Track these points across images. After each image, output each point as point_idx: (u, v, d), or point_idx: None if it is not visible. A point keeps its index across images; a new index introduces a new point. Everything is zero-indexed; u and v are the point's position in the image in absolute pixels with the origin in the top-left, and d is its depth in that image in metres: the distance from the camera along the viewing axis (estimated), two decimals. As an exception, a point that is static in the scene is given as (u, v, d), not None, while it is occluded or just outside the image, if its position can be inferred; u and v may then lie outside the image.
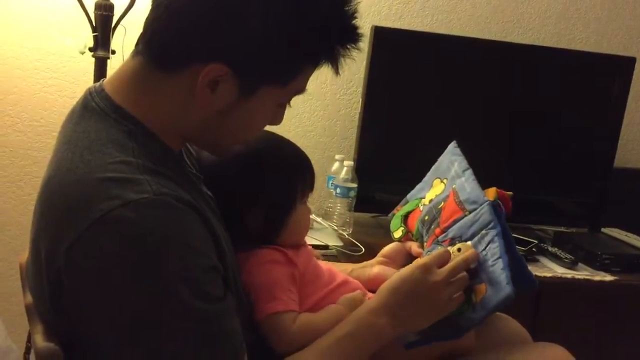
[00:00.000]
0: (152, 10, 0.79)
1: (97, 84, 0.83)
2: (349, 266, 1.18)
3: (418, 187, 1.22)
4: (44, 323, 0.78)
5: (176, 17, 0.76)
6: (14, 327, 1.36)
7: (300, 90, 0.84)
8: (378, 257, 1.16)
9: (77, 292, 0.71)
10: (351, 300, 0.95)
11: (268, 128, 0.90)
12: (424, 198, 1.16)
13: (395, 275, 0.91)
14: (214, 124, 0.80)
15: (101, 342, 0.72)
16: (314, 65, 0.82)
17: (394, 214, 1.23)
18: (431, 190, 1.16)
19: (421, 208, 1.15)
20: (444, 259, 0.91)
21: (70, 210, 0.71)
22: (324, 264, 1.06)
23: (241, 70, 0.76)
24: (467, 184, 1.07)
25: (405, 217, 1.17)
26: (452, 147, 1.16)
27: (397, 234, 1.19)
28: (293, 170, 0.98)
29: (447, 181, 1.14)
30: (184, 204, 0.73)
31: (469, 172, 1.09)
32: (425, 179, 1.20)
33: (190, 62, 0.76)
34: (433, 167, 1.19)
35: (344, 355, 0.87)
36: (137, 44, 0.80)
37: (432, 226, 1.08)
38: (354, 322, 0.88)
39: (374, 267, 1.13)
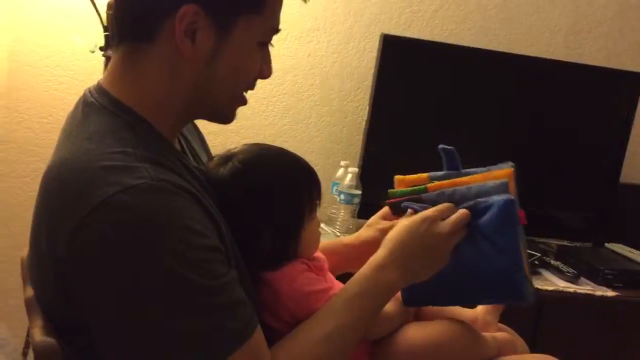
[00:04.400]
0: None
1: (95, 83, 0.86)
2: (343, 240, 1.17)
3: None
4: (44, 315, 0.78)
5: None
6: (15, 322, 1.37)
7: (275, 25, 0.85)
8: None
9: (80, 279, 0.71)
10: None
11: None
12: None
13: (401, 228, 0.91)
14: (205, 80, 0.82)
15: (105, 328, 0.72)
16: None
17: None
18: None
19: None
20: (448, 211, 0.92)
21: (70, 198, 0.72)
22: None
23: (210, 5, 0.77)
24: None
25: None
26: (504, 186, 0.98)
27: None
28: (298, 190, 0.94)
29: None
30: (182, 190, 0.74)
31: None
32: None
33: (161, 18, 0.78)
34: (472, 188, 1.00)
35: (356, 316, 0.86)
36: (114, 38, 0.83)
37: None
38: (362, 281, 0.88)
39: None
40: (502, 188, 0.97)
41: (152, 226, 0.69)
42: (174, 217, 0.71)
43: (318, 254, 1.01)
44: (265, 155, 0.95)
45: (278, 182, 0.92)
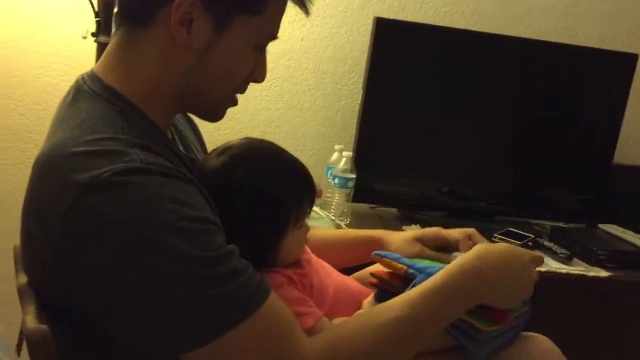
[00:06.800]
0: None
1: (89, 70, 0.86)
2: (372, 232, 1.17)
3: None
4: (38, 301, 0.79)
5: None
6: (9, 307, 1.38)
7: (274, 32, 0.86)
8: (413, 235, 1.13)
9: (77, 258, 0.71)
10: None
11: (253, 85, 0.90)
12: None
13: (500, 244, 0.94)
14: (197, 72, 0.82)
15: (106, 307, 0.72)
16: None
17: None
18: None
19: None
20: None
21: (60, 182, 0.72)
22: (324, 265, 1.01)
23: None
24: None
25: None
26: None
27: None
28: (285, 196, 0.88)
29: None
30: (173, 171, 0.75)
31: None
32: None
33: (159, 4, 0.79)
34: None
35: (432, 310, 0.83)
36: (115, 21, 0.84)
37: None
38: (445, 278, 0.85)
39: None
40: None
41: (142, 202, 0.70)
42: (164, 192, 0.72)
43: (311, 255, 0.98)
44: (257, 154, 0.91)
45: (263, 184, 0.87)
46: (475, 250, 0.89)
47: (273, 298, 0.76)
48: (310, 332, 0.84)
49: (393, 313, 0.81)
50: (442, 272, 0.86)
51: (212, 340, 0.70)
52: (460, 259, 0.89)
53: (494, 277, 0.87)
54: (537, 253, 0.95)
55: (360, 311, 0.86)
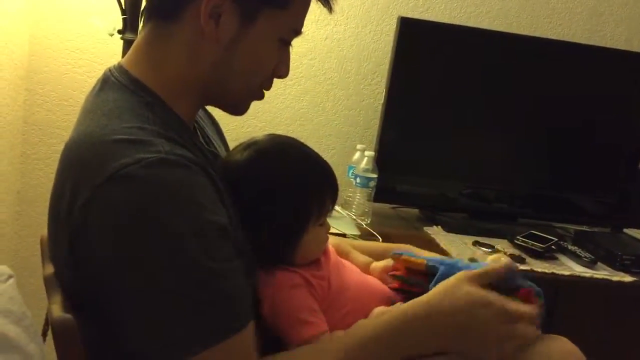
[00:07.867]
0: None
1: (116, 62, 0.88)
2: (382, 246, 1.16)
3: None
4: (62, 289, 0.80)
5: None
6: (37, 301, 1.40)
7: (298, 27, 0.87)
8: None
9: (92, 248, 0.72)
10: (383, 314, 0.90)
11: (277, 83, 0.91)
12: None
13: (473, 289, 0.84)
14: (223, 65, 0.83)
15: (108, 295, 0.72)
16: None
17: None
18: None
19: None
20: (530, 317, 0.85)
21: (85, 169, 0.73)
22: (348, 263, 1.01)
23: None
24: None
25: None
26: None
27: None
28: (308, 192, 0.89)
29: None
30: (196, 165, 0.75)
31: None
32: None
33: None
34: None
35: (393, 340, 0.83)
36: (142, 17, 0.86)
37: None
38: (410, 314, 0.84)
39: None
40: None
41: (162, 200, 0.70)
42: (185, 190, 0.72)
43: (331, 254, 0.97)
44: (282, 149, 0.91)
45: (287, 180, 0.88)
46: (444, 291, 0.85)
47: (247, 329, 0.74)
48: (307, 342, 0.85)
49: (352, 339, 0.83)
50: (411, 304, 0.85)
51: (196, 353, 0.70)
52: (430, 297, 0.85)
53: (456, 324, 0.83)
54: (524, 308, 0.85)
55: (334, 333, 0.86)
